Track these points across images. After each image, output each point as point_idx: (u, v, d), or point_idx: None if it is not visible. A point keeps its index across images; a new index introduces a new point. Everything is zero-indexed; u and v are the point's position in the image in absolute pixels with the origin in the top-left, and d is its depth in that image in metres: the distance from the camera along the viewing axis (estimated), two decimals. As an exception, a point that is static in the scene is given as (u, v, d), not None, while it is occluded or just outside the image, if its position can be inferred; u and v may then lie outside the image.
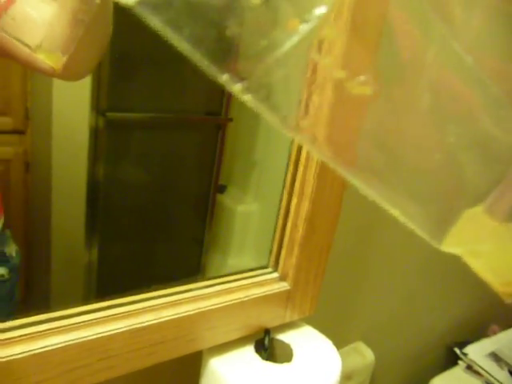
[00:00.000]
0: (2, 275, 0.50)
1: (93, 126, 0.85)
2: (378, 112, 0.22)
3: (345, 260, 0.81)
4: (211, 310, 0.45)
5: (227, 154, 1.16)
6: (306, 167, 0.48)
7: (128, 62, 0.90)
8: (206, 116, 1.11)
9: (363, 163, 0.23)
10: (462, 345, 1.13)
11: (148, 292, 0.43)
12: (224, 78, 0.18)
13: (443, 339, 1.16)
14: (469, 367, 1.08)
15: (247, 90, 0.18)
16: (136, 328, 0.40)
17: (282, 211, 0.51)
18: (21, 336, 0.35)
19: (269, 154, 1.22)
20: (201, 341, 0.45)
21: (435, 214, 0.25)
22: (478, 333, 1.22)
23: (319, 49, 0.20)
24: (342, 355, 0.57)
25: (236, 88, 0.18)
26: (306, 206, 0.49)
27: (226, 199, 1.31)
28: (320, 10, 0.18)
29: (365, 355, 0.89)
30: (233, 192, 1.35)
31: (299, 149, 0.48)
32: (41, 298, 0.79)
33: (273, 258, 0.52)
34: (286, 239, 0.51)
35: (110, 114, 0.88)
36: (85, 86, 0.70)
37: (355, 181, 0.22)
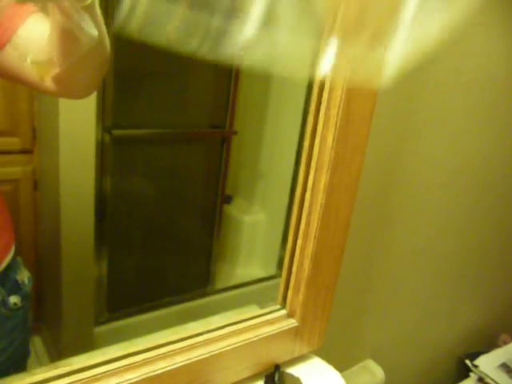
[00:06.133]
0: (15, 304, 0.51)
1: (99, 143, 0.87)
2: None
3: (352, 280, 0.82)
4: (222, 352, 0.47)
5: (233, 166, 1.18)
6: (309, 211, 0.49)
7: (132, 80, 0.92)
8: (211, 129, 1.13)
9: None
10: (473, 356, 1.13)
11: (161, 338, 0.45)
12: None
13: (454, 351, 1.16)
14: (480, 379, 1.08)
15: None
16: (151, 376, 0.42)
17: (288, 252, 0.52)
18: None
19: (274, 164, 1.24)
20: (213, 382, 0.47)
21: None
22: (489, 343, 1.22)
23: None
24: (351, 375, 0.58)
25: None
26: (310, 246, 0.50)
27: (232, 210, 1.33)
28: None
29: (375, 373, 0.90)
30: (239, 203, 1.37)
31: (303, 194, 0.49)
32: (53, 316, 0.81)
33: (280, 296, 0.54)
34: (293, 278, 0.52)
35: (115, 132, 0.90)
36: (90, 104, 0.72)
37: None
